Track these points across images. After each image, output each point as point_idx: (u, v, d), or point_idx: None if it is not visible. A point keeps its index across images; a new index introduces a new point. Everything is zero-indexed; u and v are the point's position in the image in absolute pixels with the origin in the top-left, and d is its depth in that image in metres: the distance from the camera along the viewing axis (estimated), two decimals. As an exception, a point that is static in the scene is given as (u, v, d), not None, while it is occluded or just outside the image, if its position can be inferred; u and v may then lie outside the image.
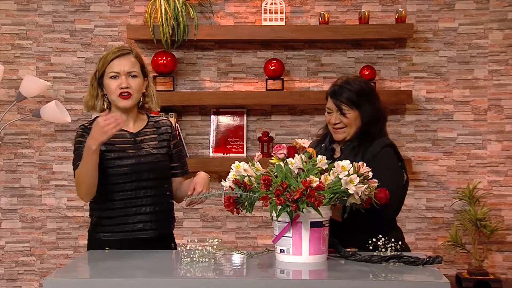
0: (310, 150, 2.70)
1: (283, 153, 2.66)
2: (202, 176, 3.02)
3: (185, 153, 3.60)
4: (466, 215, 4.55)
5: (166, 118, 3.22)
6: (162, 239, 3.06)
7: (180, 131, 4.62)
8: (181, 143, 3.23)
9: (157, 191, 3.04)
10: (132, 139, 3.03)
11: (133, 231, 2.99)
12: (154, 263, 2.64)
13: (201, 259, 2.55)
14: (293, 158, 2.59)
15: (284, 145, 2.69)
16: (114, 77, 2.98)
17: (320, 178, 2.50)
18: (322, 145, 3.11)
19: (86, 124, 3.04)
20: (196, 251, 2.58)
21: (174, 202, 3.18)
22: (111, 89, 2.98)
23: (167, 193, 3.11)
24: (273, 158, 2.68)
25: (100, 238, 3.01)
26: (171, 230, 3.16)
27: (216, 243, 2.62)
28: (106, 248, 2.89)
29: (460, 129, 4.71)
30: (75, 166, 2.97)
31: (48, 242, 4.76)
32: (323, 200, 2.46)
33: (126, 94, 2.98)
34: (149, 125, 3.10)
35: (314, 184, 2.46)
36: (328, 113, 3.06)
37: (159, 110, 3.18)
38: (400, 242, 2.68)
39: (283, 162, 2.62)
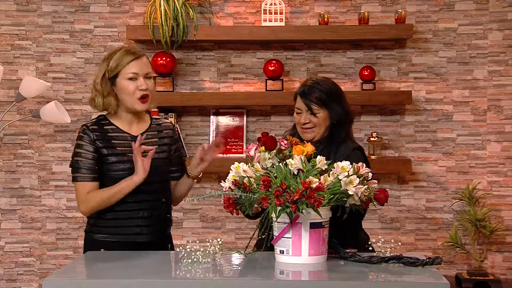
0: (309, 147, 2.71)
1: (250, 153, 2.68)
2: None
3: (185, 155, 3.58)
4: (466, 216, 4.56)
5: (169, 121, 3.20)
6: (158, 242, 3.03)
7: (179, 132, 4.62)
8: (182, 145, 3.22)
9: (155, 196, 3.02)
10: (133, 142, 2.99)
11: (129, 235, 2.98)
12: (154, 264, 2.64)
13: (203, 260, 2.55)
14: (270, 149, 2.63)
15: (254, 144, 2.72)
16: (132, 78, 2.95)
17: (319, 179, 2.50)
18: None
19: (88, 124, 3.01)
20: (198, 252, 2.57)
21: (172, 205, 3.17)
22: (129, 91, 2.94)
23: (165, 197, 3.08)
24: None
25: (96, 239, 3.00)
26: (167, 234, 3.13)
27: (220, 242, 2.62)
28: (102, 249, 2.89)
29: (460, 129, 4.71)
30: (76, 177, 2.96)
31: (47, 242, 4.76)
32: (322, 201, 2.46)
33: (145, 97, 2.97)
34: (152, 127, 3.08)
35: (314, 185, 2.46)
36: (297, 113, 3.07)
37: (154, 109, 3.17)
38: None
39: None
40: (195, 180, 3.11)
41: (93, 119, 3.06)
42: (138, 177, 2.89)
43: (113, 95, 2.98)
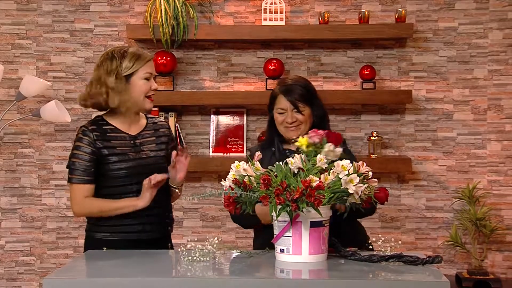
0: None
1: (318, 138, 2.67)
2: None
3: None
4: (466, 215, 4.55)
5: (164, 120, 3.23)
6: (160, 241, 3.05)
7: (180, 131, 4.62)
8: (176, 144, 3.26)
9: (157, 193, 3.02)
10: (132, 142, 3.02)
11: (131, 233, 2.98)
12: (154, 263, 2.64)
13: (201, 258, 2.55)
14: (335, 145, 2.63)
15: (321, 132, 2.70)
16: (147, 78, 2.98)
17: (319, 178, 2.50)
18: (273, 149, 3.09)
19: (87, 125, 3.01)
20: (197, 250, 2.58)
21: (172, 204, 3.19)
22: (144, 90, 2.98)
23: (167, 195, 3.10)
24: (299, 141, 2.69)
25: (98, 237, 3.00)
26: (169, 232, 3.15)
27: (217, 241, 2.62)
28: (104, 247, 2.90)
29: (460, 128, 4.71)
30: (72, 179, 2.96)
31: (48, 241, 4.76)
32: (322, 200, 2.46)
33: (152, 96, 3.03)
34: (148, 127, 3.09)
35: (314, 184, 2.46)
36: (280, 113, 3.07)
37: (154, 108, 3.21)
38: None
39: (313, 146, 2.65)
40: (177, 190, 3.12)
41: (90, 120, 3.06)
42: (142, 203, 2.92)
43: (122, 92, 2.96)
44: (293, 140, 2.79)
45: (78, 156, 2.95)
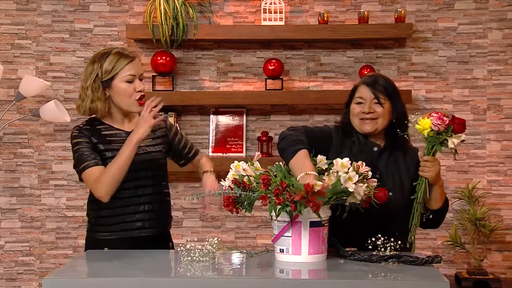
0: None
1: (443, 126, 2.73)
2: (211, 178, 3.14)
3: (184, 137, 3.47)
4: (466, 215, 4.55)
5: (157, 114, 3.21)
6: (160, 237, 3.07)
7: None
8: (178, 129, 3.28)
9: (155, 189, 3.04)
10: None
11: (132, 230, 2.98)
12: (154, 263, 2.64)
13: (201, 258, 2.55)
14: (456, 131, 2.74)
15: (446, 119, 2.73)
16: (129, 81, 2.95)
17: (324, 180, 2.49)
18: (353, 138, 2.95)
19: (81, 125, 3.01)
20: (197, 250, 2.58)
21: (171, 200, 3.20)
22: (127, 93, 2.95)
23: (165, 190, 3.11)
24: (419, 123, 2.74)
25: (98, 238, 3.01)
26: (168, 229, 3.17)
27: (216, 241, 2.62)
28: (105, 248, 2.89)
29: (460, 128, 4.70)
30: (82, 168, 2.92)
31: (47, 241, 4.76)
32: (321, 205, 2.46)
33: (142, 98, 2.97)
34: None
35: (317, 189, 2.44)
36: (358, 103, 2.93)
37: None
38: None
39: (432, 132, 2.75)
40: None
41: (84, 121, 3.05)
42: (135, 135, 2.86)
43: (102, 99, 2.96)
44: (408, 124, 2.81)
45: (81, 148, 2.93)
